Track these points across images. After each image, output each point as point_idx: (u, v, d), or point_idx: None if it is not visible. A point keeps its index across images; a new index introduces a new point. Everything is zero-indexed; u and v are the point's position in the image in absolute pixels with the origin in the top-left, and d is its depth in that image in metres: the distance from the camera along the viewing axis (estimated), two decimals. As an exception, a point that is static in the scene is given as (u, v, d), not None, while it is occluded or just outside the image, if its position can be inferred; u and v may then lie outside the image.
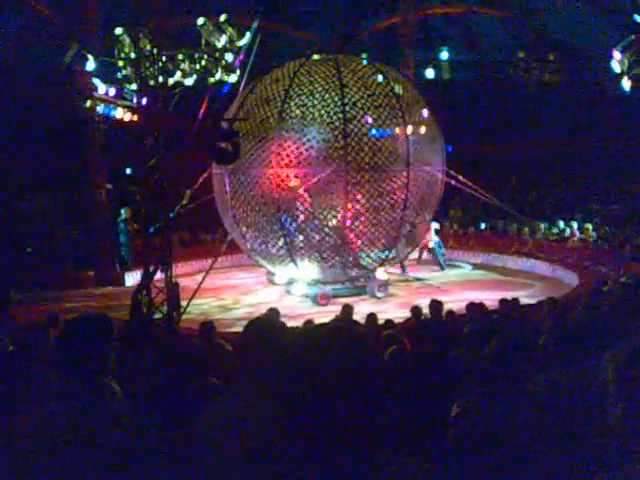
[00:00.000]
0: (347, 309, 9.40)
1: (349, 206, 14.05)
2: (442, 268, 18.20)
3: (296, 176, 13.85)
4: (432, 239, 17.96)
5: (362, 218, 14.25)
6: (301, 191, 13.90)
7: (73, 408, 2.30)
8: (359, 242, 14.42)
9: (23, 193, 19.42)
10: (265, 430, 1.87)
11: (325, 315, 11.14)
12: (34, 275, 15.68)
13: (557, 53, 19.60)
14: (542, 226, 19.81)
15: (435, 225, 17.86)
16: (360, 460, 1.56)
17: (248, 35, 11.25)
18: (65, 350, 2.42)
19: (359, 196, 14.09)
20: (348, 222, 14.26)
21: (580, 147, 22.84)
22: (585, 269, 16.43)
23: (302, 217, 14.19)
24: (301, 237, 14.27)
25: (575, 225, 19.19)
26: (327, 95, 14.07)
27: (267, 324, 2.74)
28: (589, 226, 18.97)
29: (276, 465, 1.58)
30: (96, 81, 11.20)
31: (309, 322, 8.70)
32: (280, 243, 14.20)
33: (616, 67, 12.24)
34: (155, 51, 10.86)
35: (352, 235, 14.39)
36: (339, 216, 14.17)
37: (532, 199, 22.89)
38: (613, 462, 1.74)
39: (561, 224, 19.61)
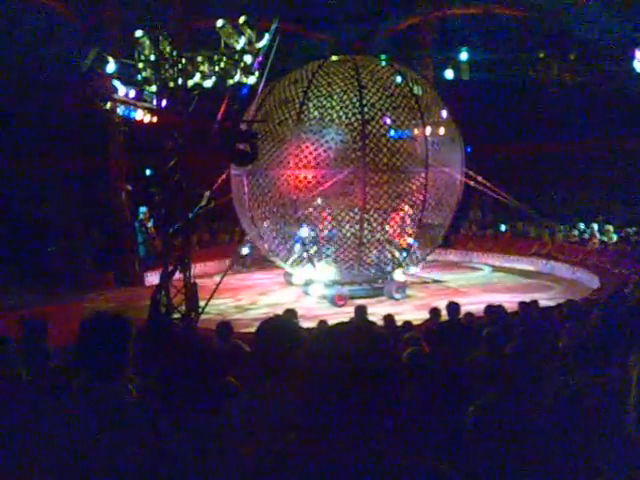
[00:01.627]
0: (360, 310, 9.37)
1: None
2: None
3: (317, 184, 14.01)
4: None
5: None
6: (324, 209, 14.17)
7: (89, 407, 2.32)
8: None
9: (44, 194, 19.62)
10: (281, 429, 1.87)
11: (342, 316, 11.13)
12: (55, 275, 15.84)
13: (578, 53, 19.40)
14: (562, 228, 19.62)
15: None
16: (376, 460, 1.55)
17: (267, 37, 11.27)
18: (81, 350, 2.44)
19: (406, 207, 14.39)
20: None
21: (601, 148, 22.58)
22: (606, 271, 16.24)
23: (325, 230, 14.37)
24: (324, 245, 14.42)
25: (596, 227, 18.98)
26: (345, 96, 14.07)
27: (279, 325, 2.74)
28: (610, 228, 18.74)
29: (292, 464, 1.58)
30: (116, 83, 11.28)
31: (323, 322, 8.70)
32: (297, 249, 14.33)
33: (638, 67, 12.12)
34: (175, 53, 10.92)
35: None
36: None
37: (552, 200, 22.68)
38: (629, 466, 1.72)
39: (582, 226, 19.41)
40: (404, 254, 14.70)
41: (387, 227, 14.48)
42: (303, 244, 14.17)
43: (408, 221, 14.53)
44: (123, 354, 2.46)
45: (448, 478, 1.62)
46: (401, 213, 14.50)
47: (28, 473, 2.29)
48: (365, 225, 14.12)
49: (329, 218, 14.47)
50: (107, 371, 2.40)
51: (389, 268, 14.74)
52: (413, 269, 15.76)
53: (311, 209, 14.38)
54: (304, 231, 14.23)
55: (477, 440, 2.33)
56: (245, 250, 16.81)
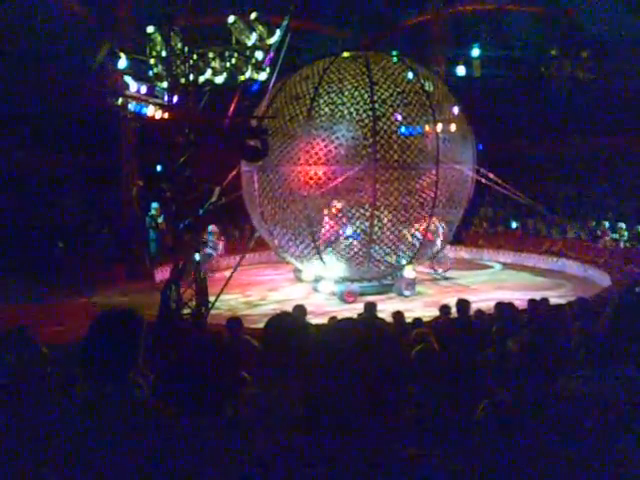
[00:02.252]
0: (370, 307, 9.36)
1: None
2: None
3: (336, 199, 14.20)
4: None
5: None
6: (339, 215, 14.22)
7: (98, 404, 2.33)
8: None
9: (55, 189, 19.73)
10: (288, 425, 1.88)
11: (351, 313, 11.12)
12: (65, 270, 15.92)
13: (590, 50, 19.29)
14: (573, 225, 19.52)
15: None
16: (383, 457, 1.56)
17: (278, 33, 11.26)
18: (93, 344, 2.45)
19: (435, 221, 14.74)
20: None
21: (613, 145, 22.44)
22: (617, 269, 16.15)
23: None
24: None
25: (607, 224, 18.87)
26: (356, 93, 14.05)
27: (288, 321, 2.75)
28: (622, 225, 18.63)
29: (300, 459, 1.59)
30: (128, 79, 11.30)
31: (333, 318, 8.72)
32: (309, 244, 14.33)
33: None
34: (186, 49, 10.93)
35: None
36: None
37: (563, 198, 22.57)
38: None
39: (593, 223, 19.31)
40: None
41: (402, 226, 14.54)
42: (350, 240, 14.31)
43: (432, 227, 14.66)
44: (134, 349, 2.47)
45: (456, 475, 1.62)
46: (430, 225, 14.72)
47: (32, 472, 2.30)
48: (375, 222, 14.11)
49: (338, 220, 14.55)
50: (118, 366, 2.41)
51: (403, 261, 14.75)
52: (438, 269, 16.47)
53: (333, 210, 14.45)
54: (350, 230, 14.33)
55: (487, 438, 2.32)
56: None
